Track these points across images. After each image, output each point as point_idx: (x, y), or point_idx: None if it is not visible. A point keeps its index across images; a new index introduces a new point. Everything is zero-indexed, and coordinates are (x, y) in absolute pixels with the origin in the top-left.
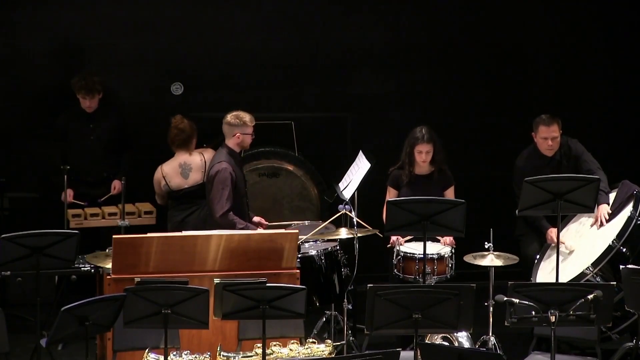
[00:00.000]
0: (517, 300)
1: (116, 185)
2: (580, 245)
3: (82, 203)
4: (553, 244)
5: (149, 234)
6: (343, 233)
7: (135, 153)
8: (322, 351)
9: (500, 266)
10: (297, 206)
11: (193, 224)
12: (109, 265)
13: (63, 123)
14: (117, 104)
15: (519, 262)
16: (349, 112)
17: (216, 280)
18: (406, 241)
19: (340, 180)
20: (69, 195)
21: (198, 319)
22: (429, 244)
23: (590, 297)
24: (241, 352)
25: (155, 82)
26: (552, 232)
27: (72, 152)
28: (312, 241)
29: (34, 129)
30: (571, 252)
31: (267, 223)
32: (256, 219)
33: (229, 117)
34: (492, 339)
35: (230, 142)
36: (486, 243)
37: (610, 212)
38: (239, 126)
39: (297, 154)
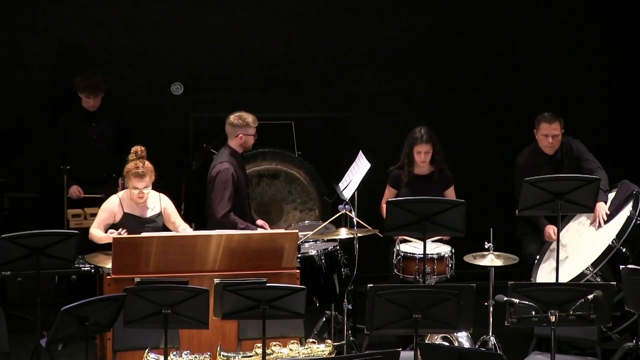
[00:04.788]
0: (517, 300)
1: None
2: (579, 245)
3: (99, 195)
4: (553, 244)
5: (149, 234)
6: (343, 233)
7: None
8: (322, 351)
9: (500, 266)
10: (298, 206)
11: None
12: (109, 265)
13: (65, 122)
14: (118, 103)
15: (519, 262)
16: (349, 112)
17: (216, 280)
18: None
19: (340, 180)
20: (79, 191)
21: (198, 319)
22: (428, 241)
23: (590, 297)
24: (241, 352)
25: (155, 82)
26: (550, 228)
27: (73, 151)
28: (312, 241)
29: (34, 129)
30: (571, 252)
31: (270, 230)
32: (260, 222)
33: (232, 117)
34: (492, 339)
35: (233, 143)
36: (486, 243)
37: (608, 212)
38: (241, 127)
39: (297, 154)
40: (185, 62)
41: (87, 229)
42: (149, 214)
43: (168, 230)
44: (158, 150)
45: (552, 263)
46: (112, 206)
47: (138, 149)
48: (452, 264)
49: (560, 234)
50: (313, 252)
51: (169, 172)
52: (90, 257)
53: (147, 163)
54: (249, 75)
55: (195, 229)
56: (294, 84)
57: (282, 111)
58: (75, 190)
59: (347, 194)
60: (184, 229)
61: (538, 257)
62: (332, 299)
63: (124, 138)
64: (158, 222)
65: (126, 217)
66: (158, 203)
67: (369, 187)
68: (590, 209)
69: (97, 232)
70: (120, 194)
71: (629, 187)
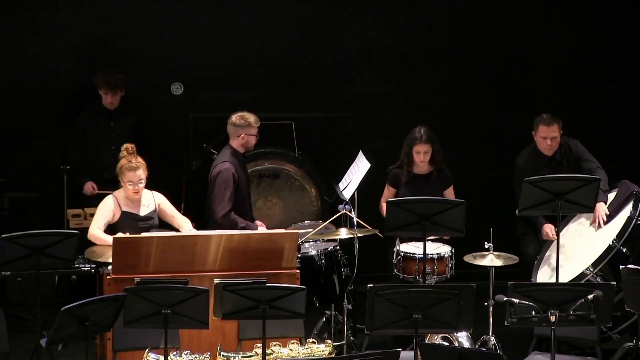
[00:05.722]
0: (517, 300)
1: None
2: (580, 245)
3: (110, 193)
4: (553, 244)
5: (149, 234)
6: (343, 233)
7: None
8: (322, 351)
9: (500, 266)
10: (298, 206)
11: None
12: (107, 259)
13: (85, 119)
14: (136, 104)
15: (519, 262)
16: (349, 112)
17: (216, 280)
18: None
19: (340, 180)
20: (93, 187)
21: (198, 319)
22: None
23: (590, 297)
24: (241, 352)
25: (155, 82)
26: (547, 227)
27: (89, 149)
28: (312, 241)
29: (34, 129)
30: (571, 252)
31: (270, 230)
32: (258, 222)
33: (234, 117)
34: (492, 339)
35: (235, 143)
36: (486, 243)
37: (608, 212)
38: (243, 127)
39: (297, 154)
40: (185, 62)
41: (87, 229)
42: (144, 211)
43: (164, 227)
44: (158, 150)
45: (552, 263)
46: (110, 205)
47: (128, 146)
48: (452, 264)
49: (561, 234)
50: (313, 252)
51: (169, 172)
52: (89, 252)
53: (139, 158)
54: (249, 75)
55: (195, 229)
56: (294, 84)
57: (282, 111)
58: (89, 187)
59: (347, 194)
60: (183, 221)
61: (538, 257)
62: (332, 299)
63: (141, 140)
64: (154, 220)
65: (124, 215)
66: (152, 200)
67: (369, 187)
68: (590, 209)
69: (100, 234)
70: (115, 192)
71: (629, 187)
